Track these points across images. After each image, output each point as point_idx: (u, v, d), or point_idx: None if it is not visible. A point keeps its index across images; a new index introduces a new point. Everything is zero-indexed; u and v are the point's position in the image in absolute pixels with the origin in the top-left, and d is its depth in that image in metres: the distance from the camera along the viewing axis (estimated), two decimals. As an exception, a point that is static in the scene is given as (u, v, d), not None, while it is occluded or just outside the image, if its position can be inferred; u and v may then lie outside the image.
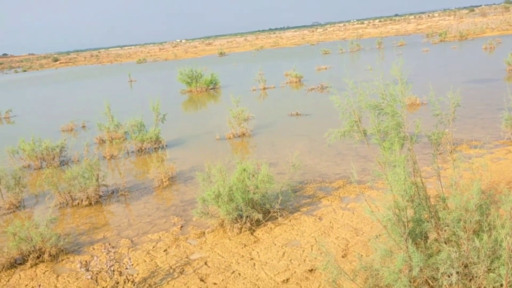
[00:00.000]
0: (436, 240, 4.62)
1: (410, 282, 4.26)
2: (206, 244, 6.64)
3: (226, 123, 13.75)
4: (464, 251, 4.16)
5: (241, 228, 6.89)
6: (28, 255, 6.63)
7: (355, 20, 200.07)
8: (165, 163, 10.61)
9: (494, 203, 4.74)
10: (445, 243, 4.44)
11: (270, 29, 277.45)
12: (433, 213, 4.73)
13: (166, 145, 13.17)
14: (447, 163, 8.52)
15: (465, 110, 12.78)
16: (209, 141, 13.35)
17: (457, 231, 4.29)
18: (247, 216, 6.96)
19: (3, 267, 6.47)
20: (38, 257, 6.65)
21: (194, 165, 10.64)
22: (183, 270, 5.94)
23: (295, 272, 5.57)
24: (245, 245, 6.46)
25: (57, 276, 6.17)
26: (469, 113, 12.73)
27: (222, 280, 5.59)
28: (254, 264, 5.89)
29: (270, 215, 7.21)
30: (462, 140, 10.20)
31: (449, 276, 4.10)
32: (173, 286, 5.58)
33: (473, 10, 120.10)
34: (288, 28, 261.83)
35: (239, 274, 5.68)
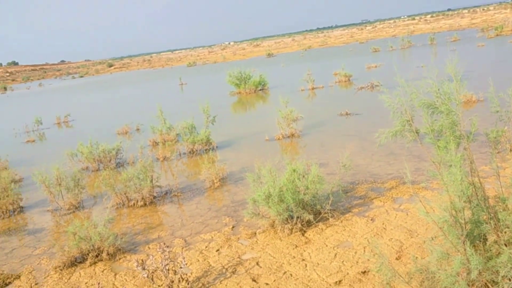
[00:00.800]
0: (495, 242, 4.44)
1: (469, 285, 4.12)
2: (257, 245, 6.69)
3: (275, 124, 13.79)
4: (527, 254, 3.97)
5: (292, 229, 6.89)
6: (88, 254, 6.92)
7: (405, 16, 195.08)
8: (216, 164, 10.77)
9: (559, 204, 4.50)
10: (505, 245, 4.26)
11: (318, 28, 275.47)
12: (492, 214, 4.55)
13: (217, 147, 13.36)
14: (506, 162, 8.16)
15: (526, 106, 12.17)
16: (258, 142, 13.42)
17: (518, 233, 4.11)
18: (298, 217, 6.95)
19: (65, 265, 6.79)
20: (96, 256, 6.93)
21: (244, 166, 10.74)
22: (235, 270, 6.01)
23: (347, 273, 5.51)
24: (296, 246, 6.45)
25: (115, 275, 6.41)
26: (530, 110, 12.12)
27: (274, 280, 5.61)
28: (306, 265, 5.87)
29: (321, 216, 7.16)
30: (523, 138, 9.72)
31: (510, 280, 3.94)
32: (226, 285, 5.66)
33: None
34: (336, 26, 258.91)
35: (291, 275, 5.69)
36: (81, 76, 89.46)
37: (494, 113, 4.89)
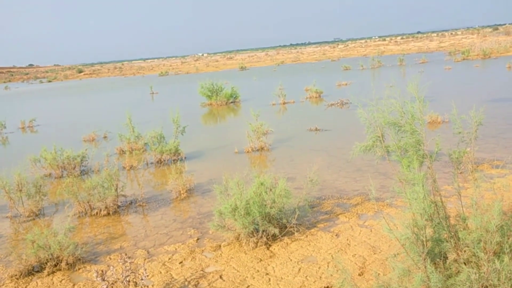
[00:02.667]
0: (455, 260, 4.53)
1: (428, 303, 4.17)
2: (221, 258, 6.62)
3: (245, 137, 13.79)
4: (484, 272, 4.06)
5: (257, 242, 6.86)
6: (46, 263, 6.70)
7: (376, 37, 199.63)
8: (184, 175, 10.66)
9: (516, 225, 4.63)
10: (465, 264, 4.35)
11: (291, 44, 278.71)
12: (452, 233, 4.64)
13: (185, 157, 13.25)
14: (468, 182, 8.38)
15: (488, 129, 12.58)
16: (227, 155, 13.39)
17: (477, 252, 4.21)
18: (264, 231, 6.93)
19: (21, 274, 6.55)
20: (55, 265, 6.72)
21: (212, 178, 10.67)
22: (198, 283, 5.92)
23: (310, 288, 5.50)
24: (260, 260, 6.42)
25: (73, 285, 6.22)
26: (491, 132, 12.52)
27: (237, 294, 5.55)
28: (269, 279, 5.84)
29: (286, 230, 7.16)
30: (484, 160, 10.01)
31: (468, 298, 4.01)
32: (188, 298, 5.57)
33: (497, 29, 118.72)
34: (310, 43, 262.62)
35: (254, 288, 5.64)
36: (49, 81, 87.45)
37: (457, 134, 5.02)
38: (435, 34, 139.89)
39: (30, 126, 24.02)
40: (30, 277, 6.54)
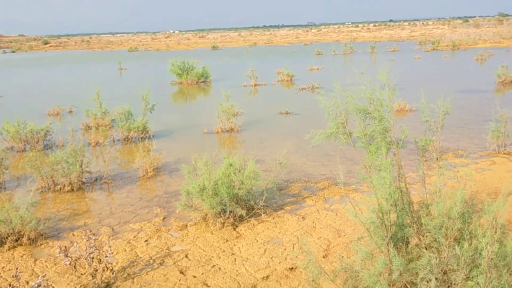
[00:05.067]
0: (417, 245, 4.65)
1: (389, 285, 4.28)
2: (187, 237, 6.61)
3: (215, 117, 13.70)
4: (444, 257, 4.19)
5: (224, 223, 6.87)
6: (7, 238, 6.54)
7: (349, 23, 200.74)
8: (151, 154, 10.54)
9: (476, 212, 4.78)
10: (426, 249, 4.47)
11: (264, 26, 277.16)
12: (415, 219, 4.76)
13: (153, 136, 13.08)
14: (432, 170, 8.59)
15: (453, 119, 12.89)
16: (197, 134, 13.29)
17: (438, 237, 4.32)
18: (231, 211, 6.94)
19: (-20, 249, 6.37)
20: (16, 240, 6.57)
21: (180, 157, 10.59)
22: (163, 262, 5.90)
23: (275, 269, 5.57)
24: (227, 240, 6.44)
25: (35, 260, 6.10)
26: (457, 123, 12.85)
27: (202, 273, 5.57)
28: (235, 259, 5.87)
29: (253, 211, 7.20)
30: (449, 149, 10.28)
31: (427, 282, 4.13)
32: (152, 276, 5.55)
33: (467, 21, 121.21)
34: (283, 26, 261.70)
35: (219, 268, 5.67)
36: (13, 52, 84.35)
37: (424, 123, 5.11)
38: (406, 23, 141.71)
39: (-8, 97, 23.17)
40: (-11, 252, 6.37)
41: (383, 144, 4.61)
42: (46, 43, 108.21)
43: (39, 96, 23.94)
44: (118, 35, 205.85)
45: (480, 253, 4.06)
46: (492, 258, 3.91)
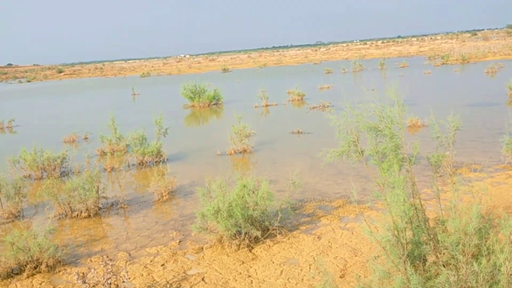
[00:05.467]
0: (434, 263, 4.62)
1: (408, 304, 4.24)
2: (204, 260, 6.62)
3: (227, 139, 13.79)
4: (463, 275, 4.15)
5: (240, 244, 6.88)
6: (25, 265, 6.62)
7: (358, 41, 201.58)
8: (166, 177, 10.62)
9: (493, 228, 4.75)
10: (444, 266, 4.44)
11: (273, 47, 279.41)
12: (432, 236, 4.73)
13: (167, 159, 13.19)
14: (447, 185, 8.53)
15: (467, 133, 12.82)
16: (210, 157, 13.38)
17: (456, 254, 4.29)
18: (246, 233, 6.95)
19: (0, 277, 6.45)
20: (35, 268, 6.64)
21: (195, 180, 10.65)
22: (180, 286, 5.92)
23: (292, 290, 5.54)
24: (243, 262, 6.44)
25: (54, 287, 6.15)
26: (470, 137, 12.77)
27: (219, 296, 5.56)
28: (252, 281, 5.87)
29: (269, 232, 7.20)
30: (463, 163, 10.21)
31: (447, 300, 4.09)
32: (170, 301, 5.56)
33: (475, 34, 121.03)
34: (292, 46, 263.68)
35: (236, 291, 5.66)
36: (29, 81, 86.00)
37: (435, 139, 5.12)
38: (415, 39, 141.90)
39: (9, 126, 23.62)
40: (9, 280, 6.45)
41: (395, 161, 4.62)
42: (60, 71, 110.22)
43: (55, 124, 24.34)
44: (131, 61, 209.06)
45: (499, 269, 4.03)
46: (511, 274, 3.87)
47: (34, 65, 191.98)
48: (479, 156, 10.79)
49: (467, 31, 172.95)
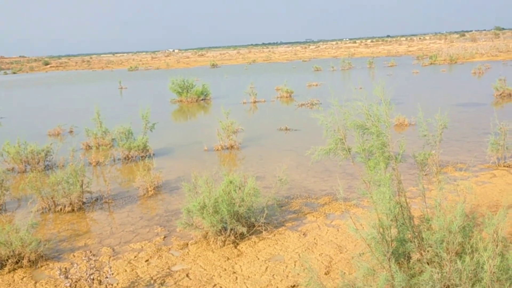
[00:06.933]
0: (419, 260, 4.63)
1: (392, 302, 4.25)
2: (188, 256, 6.58)
3: (215, 135, 13.73)
4: (446, 272, 4.17)
5: (225, 241, 6.85)
6: (7, 260, 6.51)
7: (347, 39, 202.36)
8: (152, 172, 10.53)
9: (477, 226, 4.78)
10: (428, 263, 4.45)
11: (263, 43, 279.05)
12: (416, 233, 4.75)
13: (154, 154, 13.09)
14: (432, 184, 8.58)
15: (452, 133, 12.92)
16: (197, 152, 13.31)
17: (440, 252, 4.31)
18: (232, 229, 6.91)
19: (-20, 271, 6.34)
20: (16, 262, 6.53)
21: (181, 176, 10.59)
22: (164, 282, 5.87)
23: (277, 287, 5.53)
24: (228, 258, 6.41)
25: (35, 283, 6.06)
26: (456, 136, 12.87)
27: (203, 292, 5.52)
28: (237, 278, 5.84)
29: (254, 229, 7.17)
30: (448, 162, 10.29)
31: (430, 297, 4.10)
32: (153, 297, 5.51)
33: (463, 35, 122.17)
34: (281, 43, 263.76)
35: (221, 287, 5.63)
36: (14, 73, 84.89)
37: (422, 137, 5.13)
38: (404, 39, 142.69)
39: (-8, 118, 23.27)
40: (-11, 275, 6.33)
41: (382, 159, 4.62)
42: (46, 63, 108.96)
43: (40, 117, 24.04)
44: (118, 54, 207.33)
45: (482, 267, 4.05)
46: (494, 272, 3.89)
47: (20, 56, 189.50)
48: (464, 156, 10.88)
49: (456, 32, 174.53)
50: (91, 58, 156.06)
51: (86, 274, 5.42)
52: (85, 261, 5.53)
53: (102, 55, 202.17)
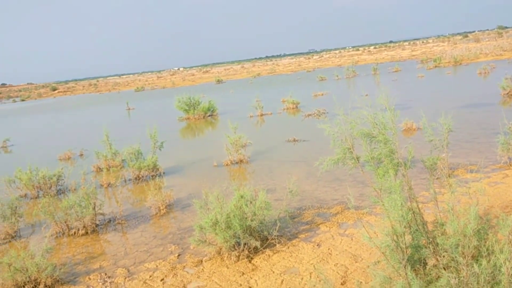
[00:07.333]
0: (435, 266, 4.59)
1: (410, 309, 4.21)
2: (203, 273, 6.57)
3: (223, 150, 13.77)
4: (464, 277, 4.12)
5: (239, 255, 6.83)
6: (24, 286, 6.55)
7: (350, 47, 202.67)
8: (163, 191, 10.58)
9: (492, 228, 4.73)
10: (444, 269, 4.41)
11: (267, 56, 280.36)
12: (431, 239, 4.71)
13: (164, 173, 13.14)
14: (444, 188, 8.52)
15: (462, 134, 12.84)
16: (206, 168, 13.34)
17: (455, 256, 4.27)
18: (245, 244, 6.90)
19: (-2, 299, 6.38)
20: (33, 288, 6.57)
21: (192, 192, 10.61)
22: (180, 300, 5.85)
23: (293, 300, 5.49)
24: (243, 273, 6.39)
25: (52, 308, 6.08)
26: (465, 138, 12.79)
27: (220, 309, 5.50)
28: (252, 292, 5.81)
29: (268, 242, 7.15)
30: (459, 165, 10.21)
31: (449, 303, 4.06)
32: (170, 316, 5.49)
33: (466, 36, 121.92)
34: (285, 55, 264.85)
35: (237, 303, 5.60)
36: (23, 100, 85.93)
37: (429, 142, 5.11)
38: (407, 43, 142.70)
39: (3, 146, 23.52)
40: (7, 302, 6.36)
41: (391, 166, 4.61)
42: (54, 89, 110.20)
43: (50, 142, 24.27)
44: (124, 76, 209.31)
45: (499, 270, 4.00)
46: (512, 274, 3.85)
47: (28, 83, 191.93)
48: (475, 157, 10.80)
49: (458, 34, 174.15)
50: (97, 81, 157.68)
51: (103, 296, 5.44)
52: (100, 283, 5.55)
53: (108, 78, 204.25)
